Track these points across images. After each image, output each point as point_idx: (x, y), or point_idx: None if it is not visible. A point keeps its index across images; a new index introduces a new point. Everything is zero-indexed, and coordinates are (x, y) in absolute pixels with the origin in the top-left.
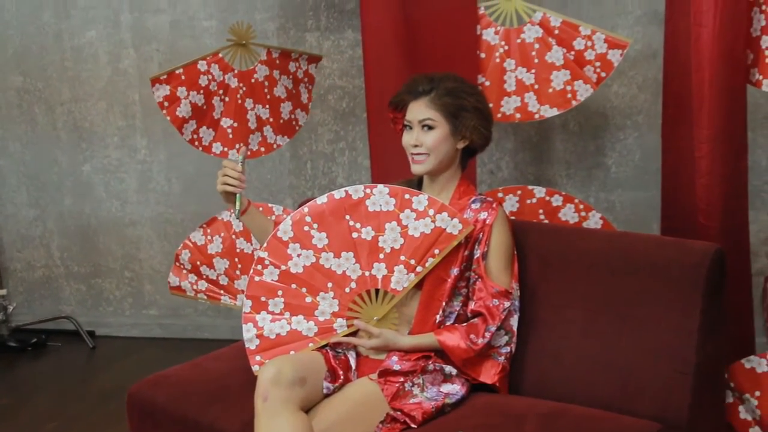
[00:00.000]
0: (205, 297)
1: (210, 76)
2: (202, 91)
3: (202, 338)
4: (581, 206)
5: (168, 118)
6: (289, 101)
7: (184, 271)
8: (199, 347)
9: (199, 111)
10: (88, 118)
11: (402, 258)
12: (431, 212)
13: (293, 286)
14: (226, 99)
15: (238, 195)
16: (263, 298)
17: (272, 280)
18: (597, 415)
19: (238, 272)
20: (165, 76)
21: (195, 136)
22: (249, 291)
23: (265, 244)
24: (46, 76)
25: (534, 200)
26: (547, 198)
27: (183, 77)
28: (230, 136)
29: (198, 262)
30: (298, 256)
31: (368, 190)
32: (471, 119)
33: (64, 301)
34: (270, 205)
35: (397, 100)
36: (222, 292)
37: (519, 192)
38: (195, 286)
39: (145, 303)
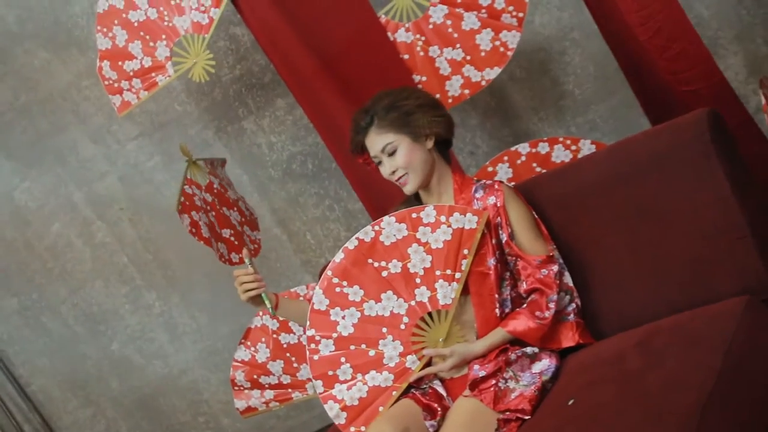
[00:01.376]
0: (278, 403)
1: (197, 196)
2: (201, 211)
3: None
4: (568, 141)
5: (201, 242)
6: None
7: (246, 391)
8: None
9: (212, 229)
10: (93, 304)
11: (438, 273)
12: (443, 218)
13: (352, 347)
14: (212, 213)
15: (263, 294)
16: (330, 372)
17: (330, 352)
18: (684, 318)
19: (295, 365)
20: (179, 206)
21: (220, 254)
22: (314, 371)
23: (308, 323)
24: (36, 286)
25: (523, 158)
26: (533, 150)
27: (187, 203)
28: (235, 242)
29: (255, 376)
30: (343, 318)
31: (377, 227)
32: (421, 118)
33: None
34: (293, 290)
35: (354, 146)
36: (290, 390)
37: (506, 158)
38: (263, 399)
39: None
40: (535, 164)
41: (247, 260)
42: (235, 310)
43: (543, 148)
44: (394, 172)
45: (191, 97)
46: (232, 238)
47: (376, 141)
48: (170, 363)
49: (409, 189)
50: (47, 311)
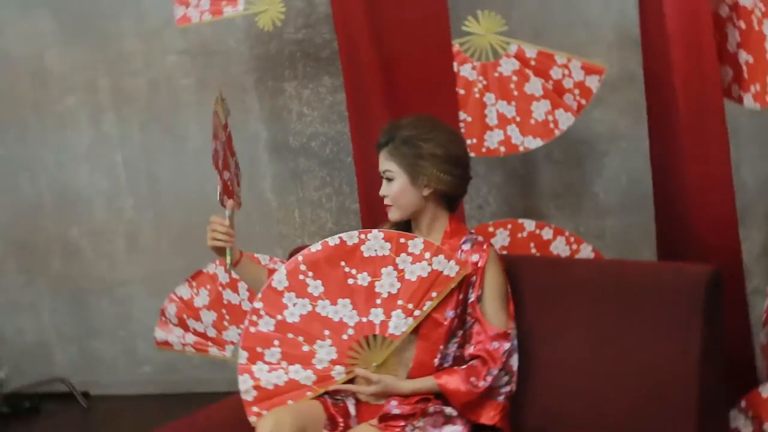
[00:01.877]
0: (193, 350)
1: (220, 129)
2: (219, 143)
3: (198, 392)
4: (572, 239)
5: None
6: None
7: (171, 326)
8: (195, 402)
9: (221, 164)
10: (72, 183)
11: (399, 302)
12: (427, 255)
13: (290, 335)
14: (221, 153)
15: (228, 249)
16: (259, 349)
17: (268, 330)
18: None
19: (226, 323)
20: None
21: (219, 192)
22: (244, 342)
23: (259, 295)
24: (26, 143)
25: (524, 234)
26: (538, 231)
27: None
28: (229, 187)
29: (184, 316)
30: (294, 305)
31: (363, 236)
32: (428, 167)
33: (58, 364)
34: (257, 255)
35: (375, 148)
36: (210, 343)
37: (509, 226)
38: (182, 340)
39: (139, 360)
40: (533, 244)
41: (228, 211)
42: (198, 249)
43: (546, 233)
44: (384, 197)
45: (248, 40)
46: (228, 183)
47: (382, 162)
48: (116, 270)
49: (390, 217)
50: (27, 172)
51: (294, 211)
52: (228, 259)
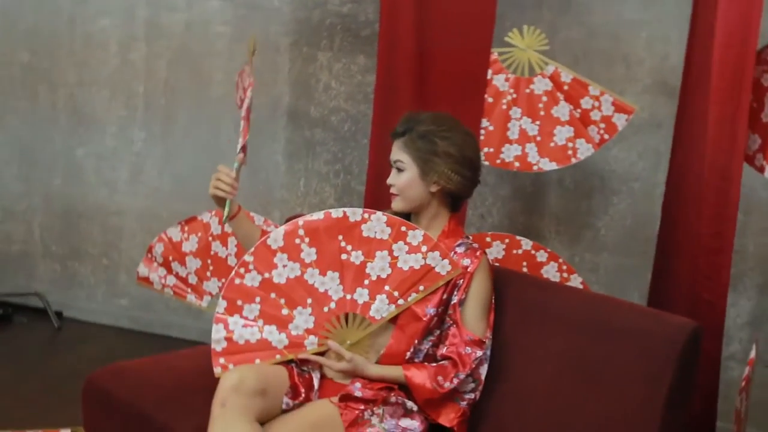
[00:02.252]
0: (171, 292)
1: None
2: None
3: (169, 336)
4: (564, 267)
5: (243, 120)
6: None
7: (155, 264)
8: (164, 344)
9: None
10: (89, 104)
11: (386, 288)
12: (424, 249)
13: (272, 295)
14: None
15: (228, 201)
16: (239, 302)
17: (252, 285)
18: None
19: (209, 274)
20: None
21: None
22: (226, 292)
23: (252, 249)
24: (53, 57)
25: (520, 251)
26: (533, 252)
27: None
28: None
29: (170, 257)
30: (284, 266)
31: (366, 215)
32: (441, 165)
33: (37, 279)
34: (253, 214)
35: (390, 135)
36: (189, 290)
37: (507, 240)
38: (163, 280)
39: (117, 292)
40: (525, 264)
41: (236, 164)
42: (199, 196)
43: (541, 256)
44: (391, 186)
45: (293, 3)
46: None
47: (395, 151)
48: (114, 199)
49: (393, 206)
50: (46, 84)
51: (300, 180)
52: (225, 211)
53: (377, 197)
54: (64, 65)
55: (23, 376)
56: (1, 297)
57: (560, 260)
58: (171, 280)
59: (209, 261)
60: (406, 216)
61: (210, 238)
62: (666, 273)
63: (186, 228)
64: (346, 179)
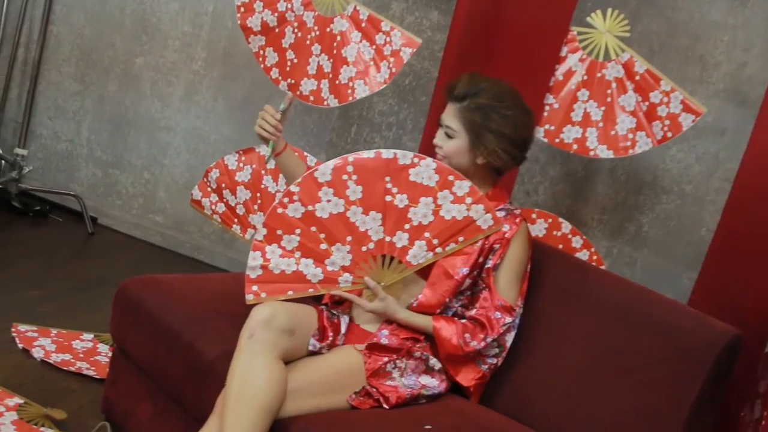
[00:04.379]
0: (219, 219)
1: (289, 5)
2: (276, 14)
3: (197, 259)
4: (595, 257)
5: (238, 22)
6: (354, 67)
7: (209, 189)
8: (191, 267)
9: (269, 31)
10: (156, 14)
11: (426, 234)
12: (468, 200)
13: (313, 228)
14: (299, 34)
15: (270, 142)
16: (279, 231)
17: (294, 216)
18: None
19: (256, 207)
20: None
21: (261, 52)
22: (268, 220)
23: (299, 179)
24: None
25: (558, 233)
26: (570, 236)
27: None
28: (288, 68)
29: (223, 185)
30: (328, 201)
31: (416, 159)
32: (492, 142)
33: (78, 181)
34: (306, 154)
35: (445, 91)
36: (236, 220)
37: (549, 220)
38: (213, 206)
39: (154, 208)
40: (561, 246)
41: (282, 105)
42: (248, 125)
43: (576, 242)
44: (437, 146)
45: None
46: (289, 64)
47: (449, 116)
48: (165, 114)
49: None
50: None
51: (353, 126)
52: (268, 151)
53: (430, 155)
54: None
55: (53, 273)
56: (41, 192)
57: (592, 249)
58: (221, 207)
59: (258, 194)
60: None
61: (263, 172)
62: (720, 277)
63: (243, 158)
64: (398, 133)
